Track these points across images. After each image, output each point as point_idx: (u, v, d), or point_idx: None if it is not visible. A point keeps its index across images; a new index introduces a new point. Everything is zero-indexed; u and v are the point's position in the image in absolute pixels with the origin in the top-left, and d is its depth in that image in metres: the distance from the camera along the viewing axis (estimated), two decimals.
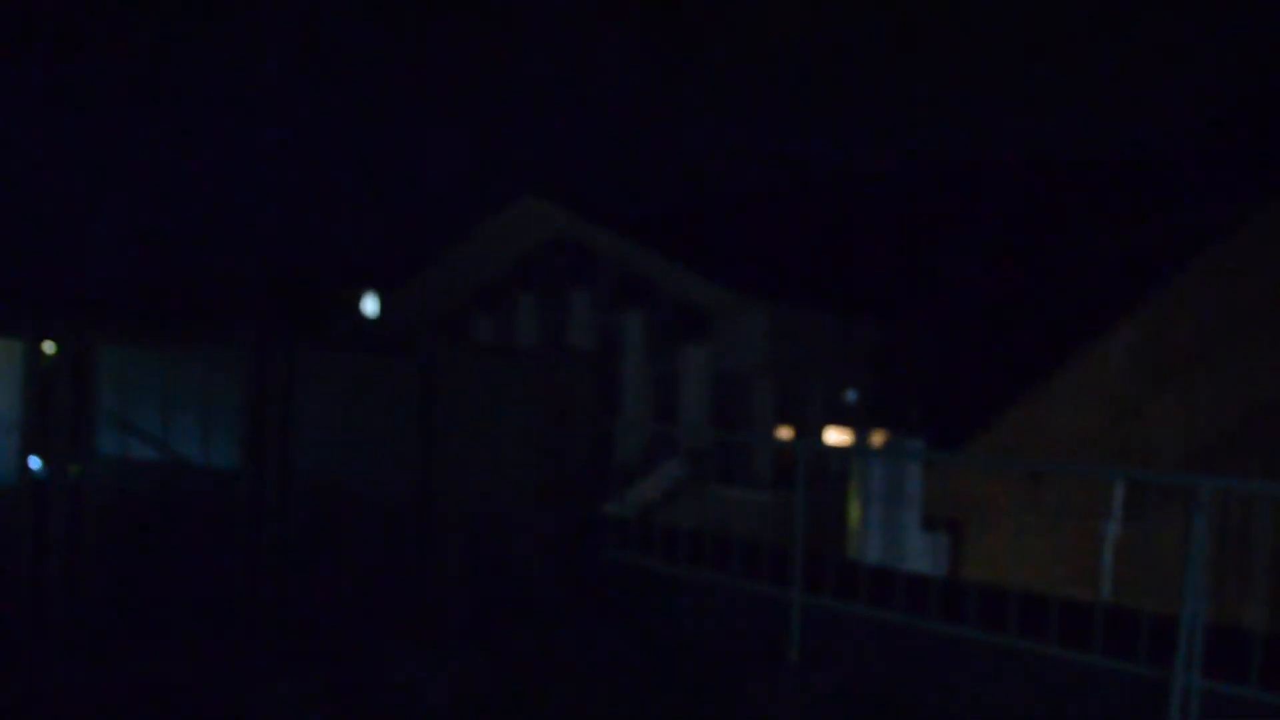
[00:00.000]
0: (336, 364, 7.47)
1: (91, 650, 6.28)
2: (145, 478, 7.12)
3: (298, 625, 6.96)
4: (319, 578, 7.20)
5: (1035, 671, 5.93)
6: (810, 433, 30.62)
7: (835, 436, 31.26)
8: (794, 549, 6.97)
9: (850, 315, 30.15)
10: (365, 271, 43.18)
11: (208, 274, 42.66)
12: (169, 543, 6.98)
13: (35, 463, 6.50)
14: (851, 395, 30.89)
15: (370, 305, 42.60)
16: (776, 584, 7.17)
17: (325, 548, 7.19)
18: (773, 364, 28.87)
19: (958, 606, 6.44)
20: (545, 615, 7.53)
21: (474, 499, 7.40)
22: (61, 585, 6.49)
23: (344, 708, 5.71)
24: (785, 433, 30.40)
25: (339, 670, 6.25)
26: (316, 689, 5.89)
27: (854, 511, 19.05)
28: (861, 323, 30.08)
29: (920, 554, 16.87)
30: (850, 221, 33.78)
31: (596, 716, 5.80)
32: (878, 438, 20.03)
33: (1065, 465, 10.97)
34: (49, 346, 6.68)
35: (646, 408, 31.44)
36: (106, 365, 6.70)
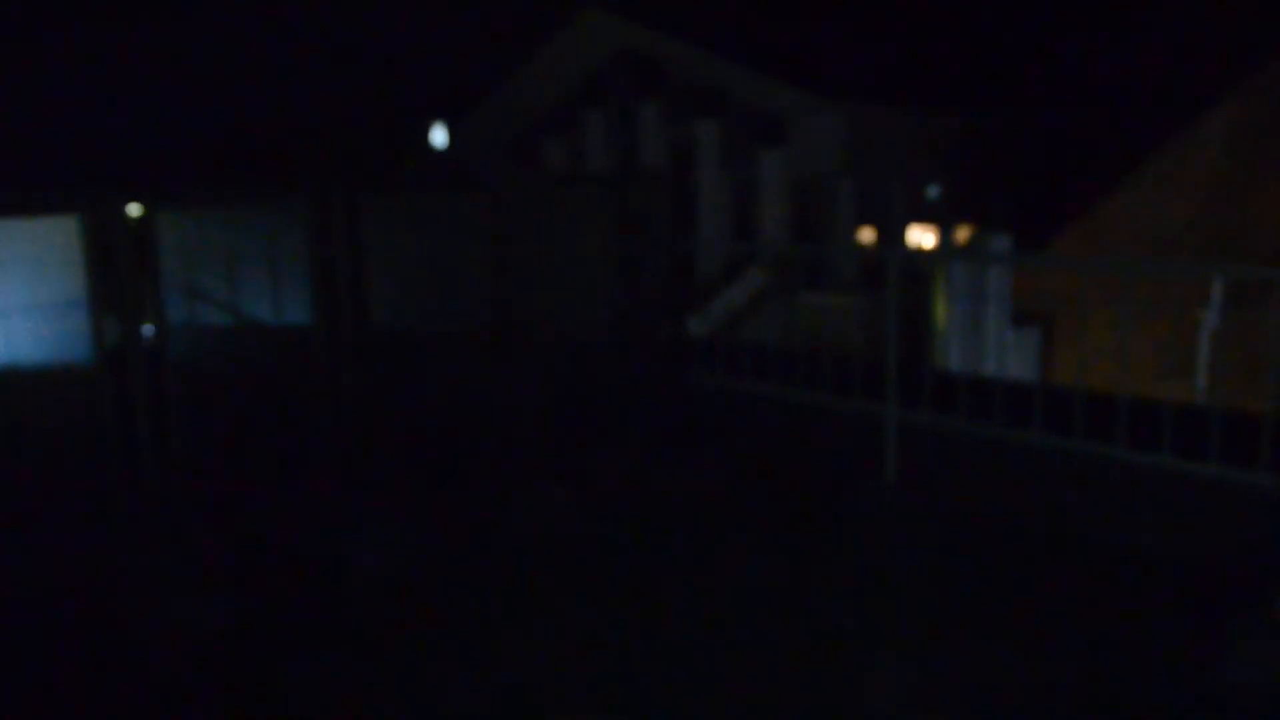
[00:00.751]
0: (402, 208, 7.37)
1: (190, 504, 6.64)
2: (219, 342, 7.31)
3: (382, 469, 7.16)
4: (399, 421, 7.37)
5: (1148, 487, 5.80)
6: (893, 233, 30.17)
7: (919, 235, 30.78)
8: (887, 362, 6.77)
9: (929, 109, 29.15)
10: (432, 102, 42.75)
11: (265, 122, 42.57)
12: (250, 402, 7.20)
13: (148, 330, 6.72)
14: (933, 192, 30.21)
15: (439, 136, 42.42)
16: (870, 399, 6.98)
17: (404, 392, 7.28)
18: (852, 165, 28.24)
19: (1059, 417, 6.31)
20: (632, 442, 7.43)
21: (552, 329, 7.37)
22: (151, 447, 6.74)
23: (446, 544, 5.98)
24: (868, 234, 30.00)
25: (430, 508, 6.48)
26: (405, 529, 6.14)
27: (940, 310, 18.95)
28: (942, 116, 29.09)
29: (1011, 351, 16.81)
30: (927, 14, 32.24)
31: (691, 545, 5.80)
32: (963, 234, 19.69)
33: (1155, 262, 10.70)
34: (134, 210, 6.75)
35: (725, 218, 31.18)
36: (169, 232, 6.75)
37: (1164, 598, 4.85)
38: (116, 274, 6.55)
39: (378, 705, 4.13)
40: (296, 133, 42.58)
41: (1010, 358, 16.89)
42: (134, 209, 6.90)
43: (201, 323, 7.25)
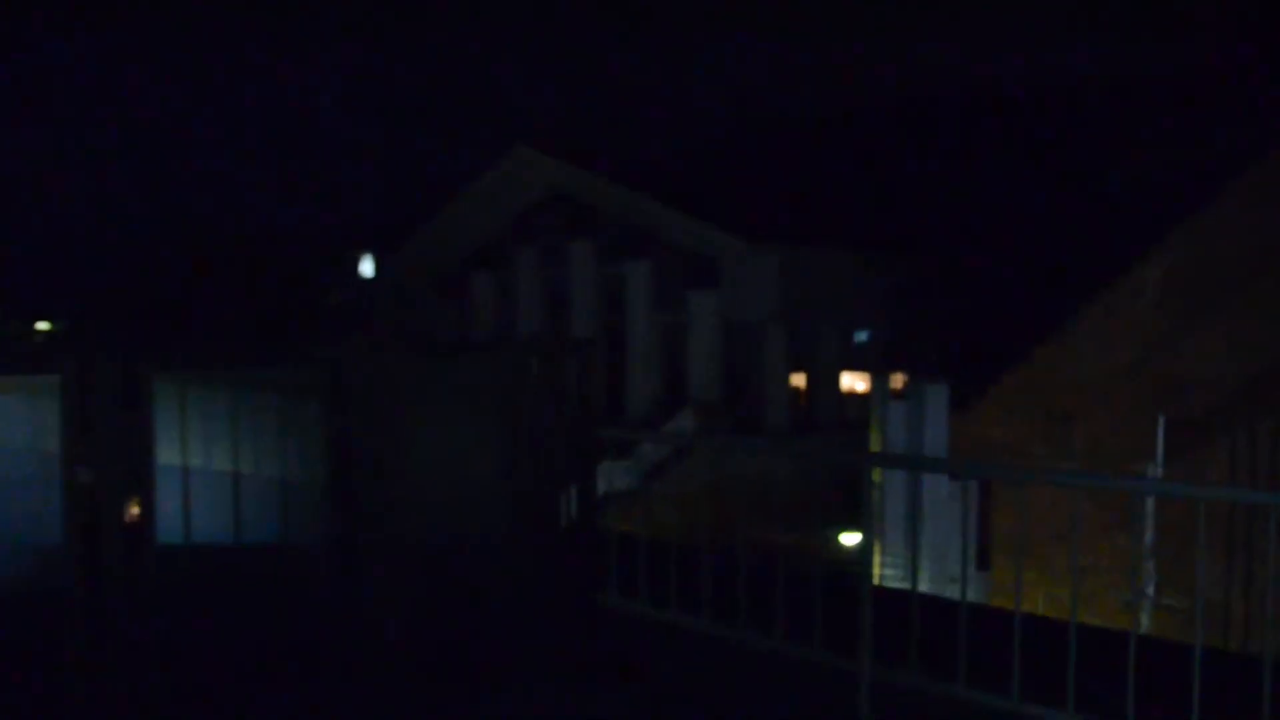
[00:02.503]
0: (198, 385, 5.86)
1: None
2: None
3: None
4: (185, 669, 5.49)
5: None
6: (825, 378, 29.80)
7: (851, 381, 30.45)
8: (862, 604, 5.12)
9: (862, 253, 29.18)
10: (361, 234, 42.30)
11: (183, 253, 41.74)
12: None
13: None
14: (863, 336, 30.04)
15: (367, 267, 41.82)
16: (835, 650, 5.40)
17: (193, 632, 5.56)
18: (783, 309, 27.97)
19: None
20: (519, 675, 5.79)
21: (422, 539, 5.74)
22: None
23: None
24: (798, 380, 29.61)
25: None
26: None
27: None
28: (875, 260, 29.11)
29: (948, 505, 16.06)
30: (860, 158, 32.68)
31: None
32: (897, 380, 19.25)
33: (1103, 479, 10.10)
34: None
35: (653, 360, 30.65)
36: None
37: None
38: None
39: None
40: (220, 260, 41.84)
41: (945, 514, 16.13)
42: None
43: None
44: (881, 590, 5.61)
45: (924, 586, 16.75)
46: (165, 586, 5.41)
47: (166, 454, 5.49)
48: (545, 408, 5.67)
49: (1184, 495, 4.03)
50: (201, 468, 5.66)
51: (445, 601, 5.68)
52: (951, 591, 16.97)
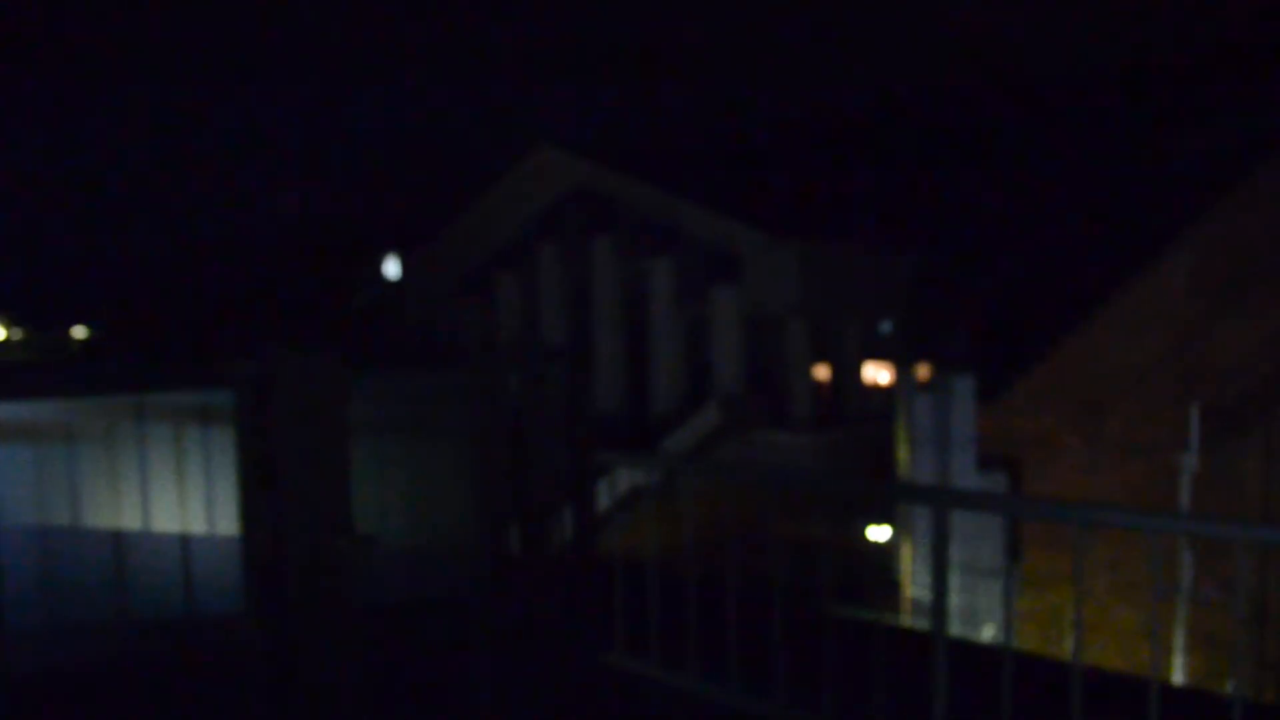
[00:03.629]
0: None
1: None
2: None
3: None
4: None
5: None
6: (849, 370, 29.68)
7: (874, 372, 30.31)
8: (935, 680, 3.86)
9: (886, 246, 29.02)
10: (387, 233, 42.41)
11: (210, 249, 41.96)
12: None
13: None
14: (886, 328, 29.87)
15: (392, 268, 41.92)
16: None
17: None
18: (806, 302, 27.85)
19: None
20: None
21: (370, 591, 4.42)
22: None
23: None
24: (823, 372, 29.48)
25: None
26: None
27: (902, 453, 18.13)
28: (899, 253, 28.95)
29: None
30: (882, 150, 32.48)
31: None
32: (922, 372, 19.09)
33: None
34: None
35: (677, 355, 30.59)
36: None
37: None
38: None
39: None
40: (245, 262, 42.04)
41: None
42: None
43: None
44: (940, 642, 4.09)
45: (955, 579, 16.68)
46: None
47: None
48: (530, 427, 4.68)
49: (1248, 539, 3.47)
50: (69, 527, 4.65)
51: (411, 671, 4.54)
52: (985, 587, 16.88)
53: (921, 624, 17.43)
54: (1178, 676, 13.53)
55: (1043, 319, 16.71)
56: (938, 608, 3.99)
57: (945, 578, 3.94)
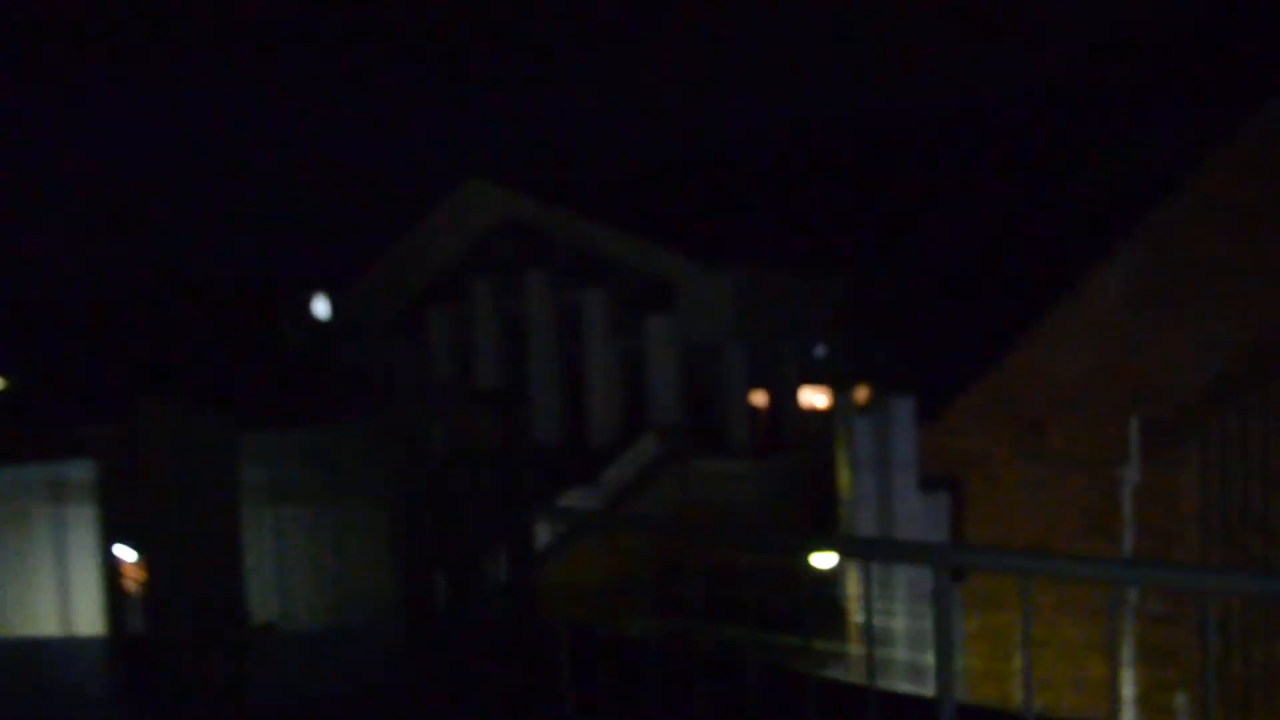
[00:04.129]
0: None
1: None
2: None
3: None
4: None
5: None
6: (786, 396, 29.59)
7: (812, 397, 30.26)
8: None
9: (819, 269, 29.05)
10: (313, 272, 41.63)
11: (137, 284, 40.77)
12: None
13: None
14: (821, 352, 29.88)
15: (321, 308, 41.10)
16: None
17: None
18: (741, 329, 27.77)
19: None
20: None
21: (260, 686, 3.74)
22: None
23: None
24: (760, 398, 29.36)
25: None
26: None
27: (843, 477, 17.96)
28: (833, 276, 29.00)
29: (919, 520, 15.78)
30: (811, 175, 32.63)
31: None
32: (861, 394, 18.98)
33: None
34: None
35: (613, 387, 30.29)
36: None
37: None
38: None
39: None
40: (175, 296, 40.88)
41: (918, 528, 15.83)
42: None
43: None
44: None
45: (900, 602, 16.48)
46: None
47: None
48: (458, 480, 3.89)
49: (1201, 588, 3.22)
50: None
51: None
52: (928, 609, 16.70)
53: (864, 651, 17.23)
54: (1127, 690, 13.42)
55: (981, 336, 16.67)
56: (870, 664, 3.92)
57: (873, 634, 3.79)
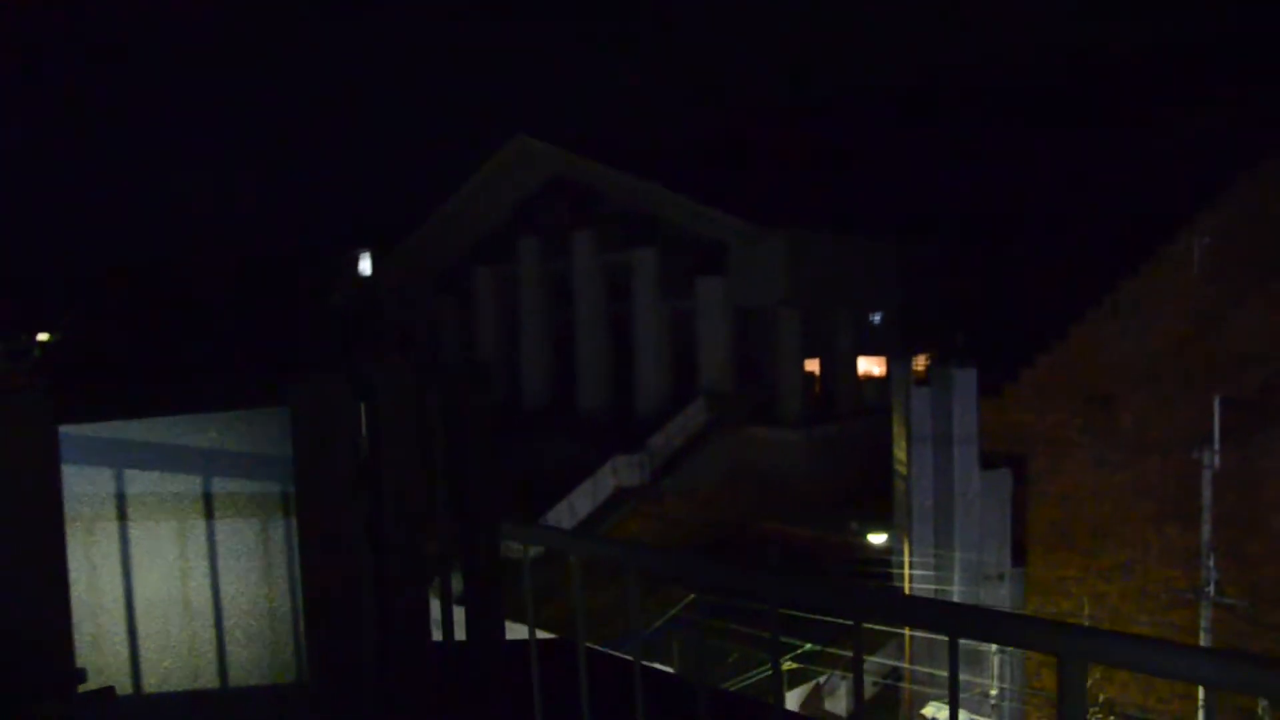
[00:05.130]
0: None
1: None
2: None
3: None
4: None
5: None
6: (841, 364, 28.77)
7: (868, 365, 29.41)
8: None
9: (878, 233, 28.07)
10: (361, 231, 41.38)
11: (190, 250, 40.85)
12: None
13: None
14: (879, 319, 28.98)
15: (366, 266, 40.85)
16: None
17: None
18: (795, 293, 26.89)
19: None
20: None
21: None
22: None
23: None
24: (813, 365, 28.55)
25: None
26: None
27: (900, 451, 17.19)
28: (892, 240, 28.00)
29: (978, 497, 15.01)
30: (870, 134, 31.52)
31: None
32: (920, 364, 18.16)
33: None
34: None
35: (662, 351, 29.59)
36: None
37: None
38: None
39: None
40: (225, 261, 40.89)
41: (978, 506, 15.08)
42: None
43: None
44: None
45: (957, 585, 15.75)
46: None
47: None
48: (392, 475, 2.85)
49: None
50: None
51: None
52: (986, 593, 15.97)
53: (925, 636, 16.55)
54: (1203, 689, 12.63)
55: (1048, 306, 15.77)
56: None
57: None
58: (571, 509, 24.77)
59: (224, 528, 2.83)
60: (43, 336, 50.69)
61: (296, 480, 2.72)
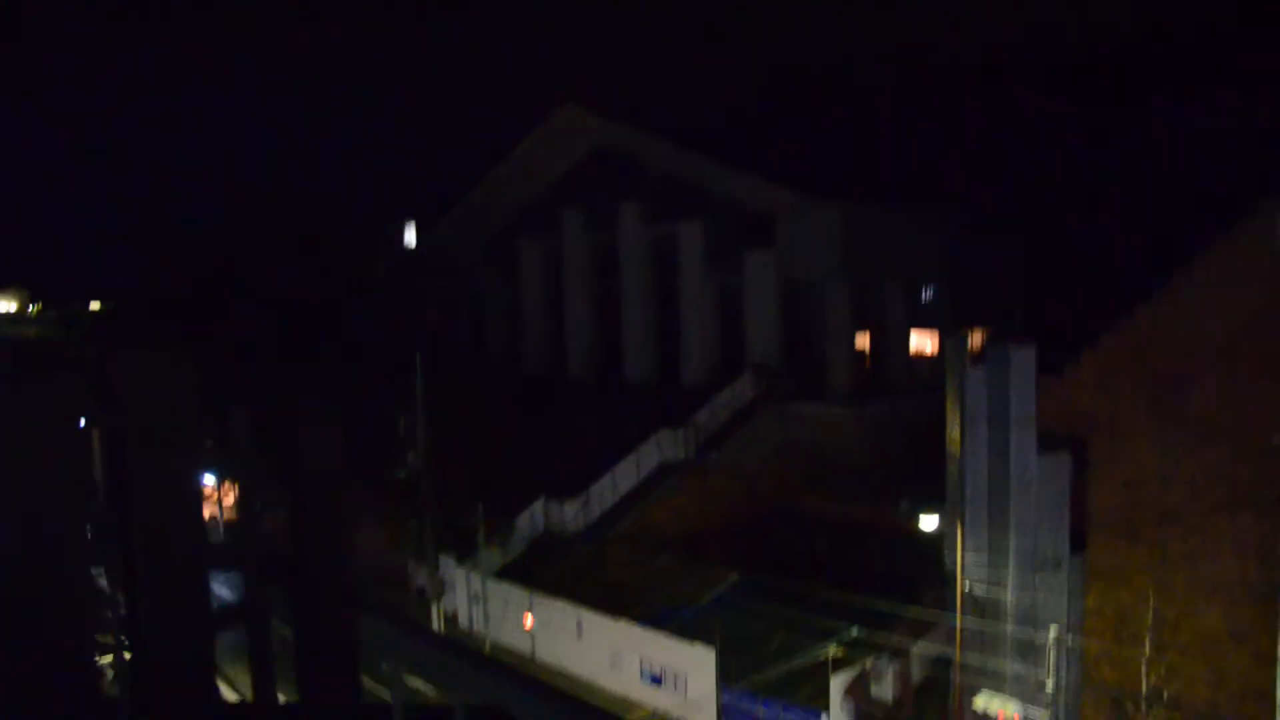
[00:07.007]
0: None
1: None
2: None
3: None
4: None
5: None
6: (891, 339, 28.05)
7: (920, 341, 28.66)
8: None
9: (932, 205, 27.22)
10: (407, 201, 41.18)
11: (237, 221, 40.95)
12: None
13: None
14: (929, 292, 28.19)
15: (411, 236, 40.64)
16: None
17: None
18: (845, 266, 26.18)
19: None
20: None
21: None
22: None
23: None
24: (863, 340, 27.87)
25: None
26: None
27: (954, 431, 16.50)
28: (946, 212, 27.14)
29: (1035, 481, 14.32)
30: (925, 105, 30.60)
31: None
32: (976, 341, 17.44)
33: None
34: None
35: (708, 323, 29.03)
36: None
37: None
38: None
39: None
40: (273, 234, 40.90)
41: (1035, 490, 14.39)
42: None
43: None
44: None
45: (1011, 570, 15.11)
46: None
47: None
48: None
49: None
50: None
51: None
52: (1045, 581, 15.31)
53: (977, 624, 15.94)
54: None
55: (1112, 283, 15.01)
56: None
57: None
58: (614, 483, 24.41)
59: None
60: (94, 305, 51.29)
61: None
